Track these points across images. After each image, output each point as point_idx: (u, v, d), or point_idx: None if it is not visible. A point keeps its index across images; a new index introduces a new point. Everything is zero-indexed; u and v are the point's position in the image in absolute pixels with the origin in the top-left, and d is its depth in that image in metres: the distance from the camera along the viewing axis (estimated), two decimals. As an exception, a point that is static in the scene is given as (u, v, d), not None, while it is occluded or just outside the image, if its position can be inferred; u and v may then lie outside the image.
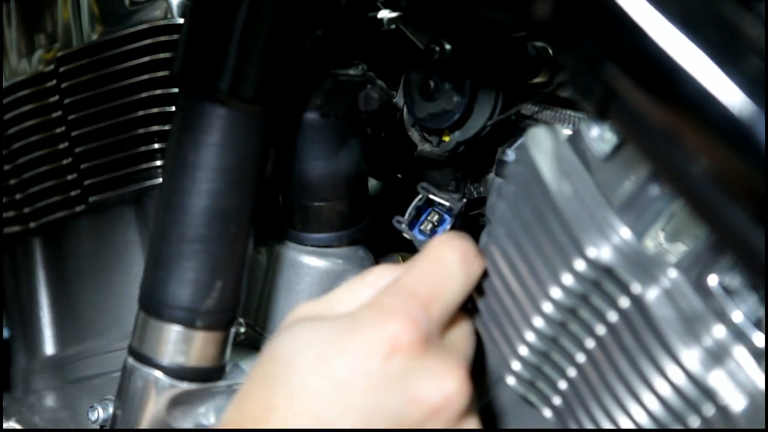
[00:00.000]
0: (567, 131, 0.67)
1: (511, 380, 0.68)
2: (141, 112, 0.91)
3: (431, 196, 0.83)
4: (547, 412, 0.68)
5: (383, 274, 0.67)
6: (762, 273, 0.53)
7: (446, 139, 0.84)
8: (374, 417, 0.61)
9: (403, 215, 0.85)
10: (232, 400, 0.64)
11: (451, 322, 0.66)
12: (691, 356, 0.57)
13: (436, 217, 0.84)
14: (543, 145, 0.63)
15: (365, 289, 0.66)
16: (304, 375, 0.61)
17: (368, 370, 0.61)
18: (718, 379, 0.56)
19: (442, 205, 0.83)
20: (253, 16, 0.67)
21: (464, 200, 0.83)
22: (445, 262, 0.65)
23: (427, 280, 0.64)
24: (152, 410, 0.72)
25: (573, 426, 0.65)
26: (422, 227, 0.84)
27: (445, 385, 0.62)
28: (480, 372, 0.74)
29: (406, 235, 0.84)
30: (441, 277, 0.65)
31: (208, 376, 0.73)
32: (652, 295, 0.58)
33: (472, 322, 0.69)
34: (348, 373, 0.61)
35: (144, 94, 0.91)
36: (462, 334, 0.67)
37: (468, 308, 0.70)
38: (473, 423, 0.65)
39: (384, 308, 0.63)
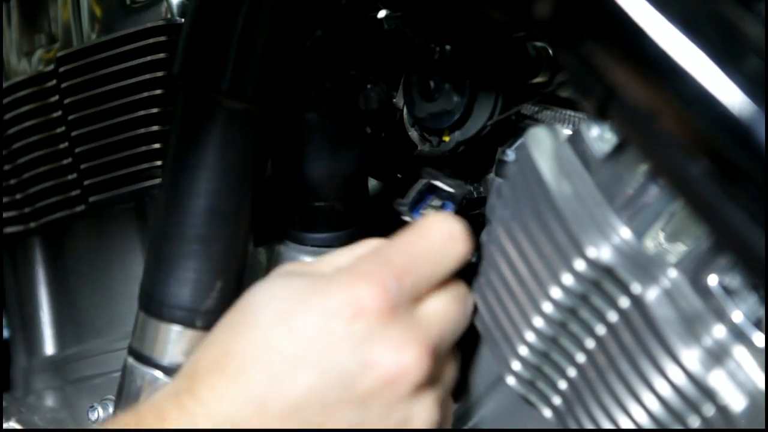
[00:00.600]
0: (567, 131, 0.67)
1: (511, 380, 0.68)
2: (141, 112, 0.91)
3: (434, 182, 0.83)
4: (547, 412, 0.68)
5: (369, 243, 0.68)
6: (762, 273, 0.53)
7: (446, 139, 0.84)
8: (326, 376, 0.61)
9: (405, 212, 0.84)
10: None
11: (431, 300, 0.65)
12: (691, 356, 0.57)
13: (438, 203, 0.83)
14: (543, 145, 0.63)
15: (347, 256, 0.67)
16: (266, 326, 0.62)
17: (330, 329, 0.61)
18: (718, 379, 0.56)
19: (445, 191, 0.83)
20: (253, 16, 0.67)
21: (468, 187, 0.82)
22: (428, 237, 0.65)
23: (405, 252, 0.65)
24: (152, 410, 0.72)
25: (573, 426, 0.65)
26: (423, 211, 0.84)
27: (402, 356, 0.62)
28: (479, 372, 0.74)
29: (405, 218, 0.83)
30: (421, 250, 0.65)
31: (208, 376, 0.73)
32: (652, 295, 0.58)
33: (459, 302, 0.68)
34: (309, 330, 0.61)
35: (144, 94, 0.91)
36: (436, 312, 0.66)
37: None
38: (428, 401, 0.64)
39: (356, 272, 0.63)
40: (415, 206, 0.83)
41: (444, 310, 0.66)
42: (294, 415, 0.60)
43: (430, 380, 0.64)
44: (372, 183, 0.88)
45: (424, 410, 0.64)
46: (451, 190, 0.82)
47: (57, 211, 1.00)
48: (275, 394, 0.60)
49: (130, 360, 0.73)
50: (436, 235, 0.66)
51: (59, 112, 0.97)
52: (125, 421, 0.61)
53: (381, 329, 0.62)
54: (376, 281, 0.62)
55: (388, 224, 0.85)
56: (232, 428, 0.59)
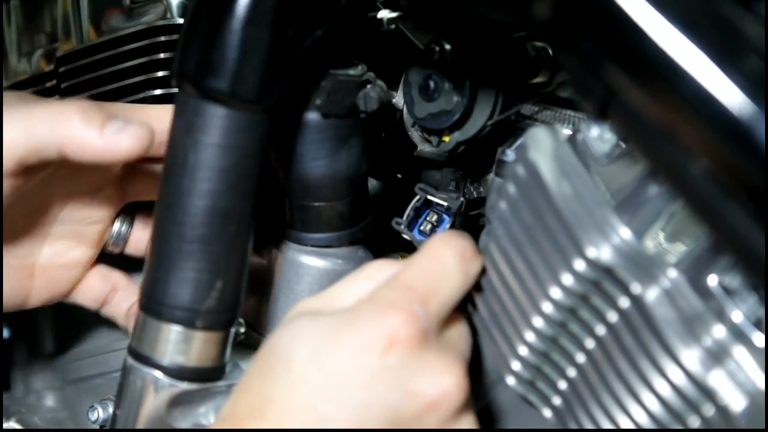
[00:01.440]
0: (567, 131, 0.67)
1: (511, 380, 0.68)
2: (141, 112, 0.91)
3: (429, 197, 0.83)
4: (547, 412, 0.68)
5: (382, 268, 0.67)
6: (762, 273, 0.53)
7: (446, 139, 0.84)
8: (371, 411, 0.61)
9: (402, 216, 0.85)
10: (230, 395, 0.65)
11: (448, 320, 0.66)
12: (691, 356, 0.57)
13: (434, 217, 0.84)
14: (543, 145, 0.63)
15: (364, 283, 0.66)
16: (301, 368, 0.61)
17: (366, 363, 0.61)
18: (718, 379, 0.56)
19: (440, 205, 0.83)
20: (253, 16, 0.67)
21: (462, 199, 0.83)
22: (443, 260, 0.66)
23: (425, 276, 0.65)
24: (152, 410, 0.72)
25: (573, 426, 0.65)
26: (421, 228, 0.84)
27: (442, 381, 0.62)
28: (479, 372, 0.74)
29: (405, 236, 0.84)
30: (439, 273, 0.65)
31: (208, 376, 0.73)
32: (652, 295, 0.58)
33: (468, 322, 0.69)
34: (345, 367, 0.61)
35: (143, 94, 0.91)
36: (459, 332, 0.67)
37: (467, 308, 0.70)
38: (469, 420, 0.65)
39: (382, 302, 0.63)
40: (413, 224, 0.83)
41: (465, 330, 0.67)
42: None
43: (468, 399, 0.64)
44: (372, 183, 0.88)
45: (467, 426, 0.65)
46: (445, 204, 0.82)
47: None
48: None
49: (130, 360, 0.73)
50: (450, 256, 0.66)
51: (59, 112, 0.97)
52: None
53: (416, 357, 0.62)
54: (404, 309, 0.62)
55: (387, 224, 0.86)
56: None
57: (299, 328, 0.64)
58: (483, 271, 0.69)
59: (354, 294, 0.66)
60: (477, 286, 0.69)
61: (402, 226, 0.82)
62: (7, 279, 0.82)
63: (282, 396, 0.61)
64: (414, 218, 0.83)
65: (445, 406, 0.62)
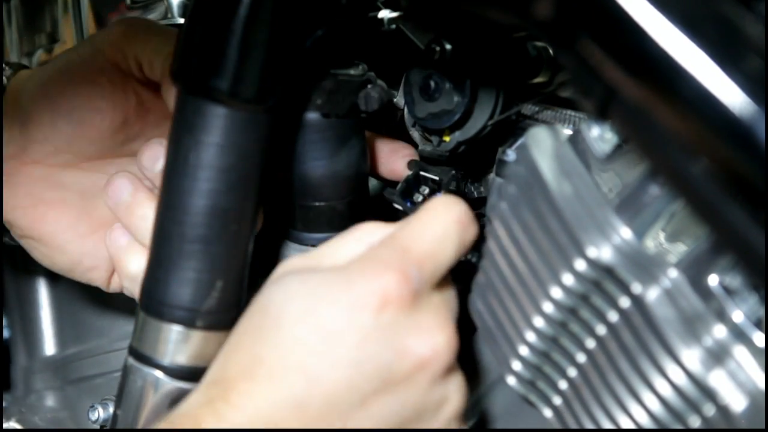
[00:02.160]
0: (567, 131, 0.67)
1: (511, 380, 0.68)
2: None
3: (421, 172, 0.83)
4: (548, 412, 0.68)
5: (371, 230, 0.68)
6: (762, 273, 0.53)
7: (447, 138, 0.84)
8: (363, 370, 0.61)
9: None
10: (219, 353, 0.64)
11: (439, 283, 0.66)
12: (692, 356, 0.57)
13: (427, 191, 0.84)
14: (543, 145, 0.63)
15: (353, 245, 0.67)
16: (293, 326, 0.61)
17: (359, 321, 0.61)
18: (718, 379, 0.56)
19: (432, 179, 0.83)
20: (253, 16, 0.67)
21: (453, 171, 0.83)
22: (441, 223, 0.66)
23: (422, 239, 0.65)
24: (152, 410, 0.72)
25: (573, 426, 0.65)
26: (414, 200, 0.84)
27: (433, 339, 0.63)
28: (479, 371, 0.74)
29: (397, 206, 0.84)
30: (436, 237, 0.65)
31: (209, 375, 0.73)
32: (652, 295, 0.58)
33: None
34: (338, 325, 0.61)
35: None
36: (448, 295, 0.67)
37: (467, 308, 0.70)
38: (458, 379, 0.66)
39: (377, 261, 0.63)
40: (405, 196, 0.83)
41: (455, 295, 0.68)
42: (334, 412, 0.60)
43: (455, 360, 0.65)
44: (372, 183, 0.88)
45: (458, 389, 0.66)
46: (435, 177, 0.82)
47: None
48: (314, 393, 0.60)
49: (131, 360, 0.73)
50: (447, 220, 0.66)
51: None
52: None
53: (408, 316, 0.63)
54: (398, 269, 0.63)
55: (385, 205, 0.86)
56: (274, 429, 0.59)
57: (290, 286, 0.64)
58: (483, 270, 0.69)
59: (343, 254, 0.66)
60: (477, 286, 0.69)
61: (395, 196, 0.82)
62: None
63: (273, 355, 0.61)
64: (406, 191, 0.83)
65: (435, 365, 0.63)
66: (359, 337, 0.61)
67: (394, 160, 0.84)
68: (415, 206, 0.83)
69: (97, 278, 0.84)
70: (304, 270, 0.65)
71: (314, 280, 0.63)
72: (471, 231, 0.67)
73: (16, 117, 0.80)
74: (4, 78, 0.82)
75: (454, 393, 0.66)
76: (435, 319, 0.64)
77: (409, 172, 0.84)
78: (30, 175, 0.81)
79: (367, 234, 0.67)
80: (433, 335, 0.63)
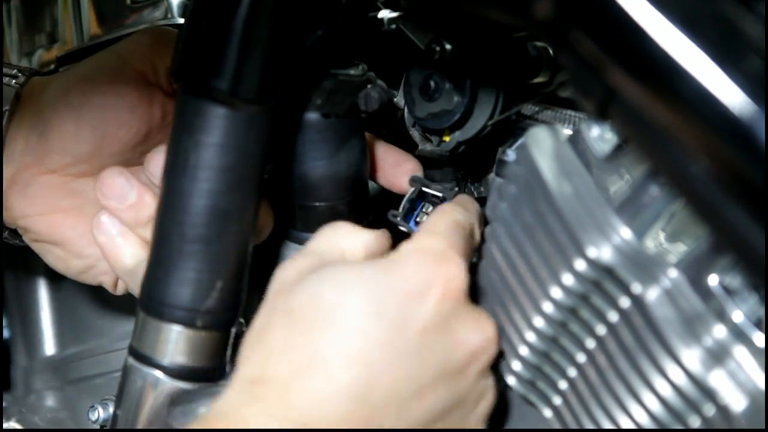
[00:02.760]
0: (567, 131, 0.67)
1: (511, 380, 0.68)
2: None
3: (423, 189, 0.83)
4: (548, 412, 0.68)
5: (351, 228, 0.68)
6: (762, 273, 0.53)
7: (447, 138, 0.84)
8: (425, 359, 0.61)
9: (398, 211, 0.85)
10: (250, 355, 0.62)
11: None
12: (692, 356, 0.57)
13: (430, 209, 0.84)
14: (543, 145, 0.63)
15: (353, 240, 0.67)
16: (352, 317, 0.60)
17: (421, 312, 0.61)
18: (718, 379, 0.56)
19: (436, 196, 0.83)
20: (253, 16, 0.67)
21: (456, 188, 0.83)
22: (467, 222, 0.69)
23: (458, 235, 0.67)
24: (152, 410, 0.72)
25: (573, 426, 0.65)
26: (417, 219, 0.84)
27: (485, 330, 0.64)
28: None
29: (402, 228, 0.84)
30: (467, 229, 0.68)
31: (209, 375, 0.73)
32: (652, 295, 0.58)
33: None
34: (400, 315, 0.61)
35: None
36: None
37: None
38: (493, 377, 0.67)
39: (430, 254, 0.64)
40: (408, 216, 0.83)
41: None
42: (392, 404, 0.60)
43: None
44: (372, 183, 0.88)
45: (493, 386, 0.67)
46: (440, 194, 0.82)
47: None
48: (375, 385, 0.59)
49: (131, 360, 0.73)
50: (472, 220, 0.70)
51: (59, 112, 0.97)
52: None
53: (463, 307, 0.64)
54: (455, 262, 0.64)
55: (387, 223, 0.86)
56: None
57: (342, 278, 0.62)
58: (483, 270, 0.69)
59: (347, 251, 0.66)
60: (477, 286, 0.69)
61: (398, 218, 0.82)
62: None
63: (333, 348, 0.59)
64: (410, 210, 0.83)
65: (485, 356, 0.65)
66: (421, 328, 0.61)
67: (396, 174, 0.84)
68: (419, 226, 0.83)
69: (107, 281, 0.84)
70: (328, 264, 0.64)
71: (368, 270, 0.63)
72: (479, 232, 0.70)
73: (34, 126, 0.79)
74: (13, 82, 0.82)
75: (490, 389, 0.66)
76: (480, 311, 0.65)
77: (411, 188, 0.84)
78: (46, 184, 0.80)
79: (354, 232, 0.67)
80: (484, 326, 0.64)
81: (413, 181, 0.84)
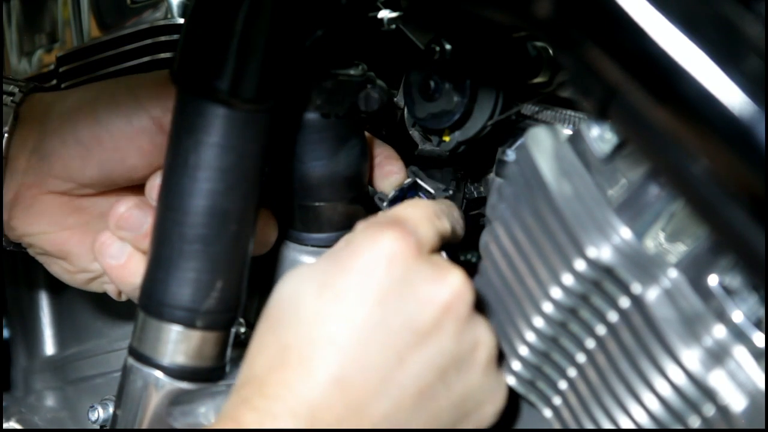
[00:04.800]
0: (567, 131, 0.67)
1: (511, 380, 0.68)
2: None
3: (418, 180, 0.84)
4: (547, 412, 0.68)
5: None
6: (762, 273, 0.53)
7: (446, 138, 0.84)
8: (390, 326, 0.62)
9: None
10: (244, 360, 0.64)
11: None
12: (692, 356, 0.57)
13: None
14: (543, 145, 0.63)
15: (347, 237, 0.67)
16: (312, 304, 0.62)
17: (373, 282, 0.62)
18: (718, 379, 0.56)
19: (427, 191, 0.83)
20: (253, 16, 0.67)
21: (450, 192, 0.83)
22: (429, 203, 0.69)
23: (413, 209, 0.67)
24: (152, 410, 0.72)
25: (573, 426, 0.65)
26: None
27: (449, 282, 0.64)
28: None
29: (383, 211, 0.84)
30: (427, 208, 0.68)
31: (209, 376, 0.73)
32: (652, 295, 0.58)
33: None
34: (354, 290, 0.62)
35: (144, 94, 0.91)
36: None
37: None
38: (482, 321, 0.66)
39: (374, 226, 0.65)
40: (395, 201, 0.83)
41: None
42: (373, 377, 0.61)
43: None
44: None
45: (486, 330, 0.66)
46: (431, 191, 0.82)
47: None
48: (348, 363, 0.60)
49: (131, 360, 0.73)
50: (450, 215, 0.70)
51: (59, 112, 0.97)
52: None
53: (418, 266, 0.63)
54: (397, 227, 0.64)
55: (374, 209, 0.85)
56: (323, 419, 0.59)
57: (299, 274, 0.65)
58: (482, 270, 0.69)
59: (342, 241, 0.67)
60: (477, 286, 0.69)
61: (384, 203, 0.82)
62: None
63: (300, 337, 0.61)
64: (399, 198, 0.83)
65: (459, 306, 0.64)
66: (378, 297, 0.62)
67: (376, 176, 0.83)
68: None
69: (112, 290, 0.84)
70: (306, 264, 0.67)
71: (321, 261, 0.65)
72: (458, 216, 0.70)
73: (37, 149, 0.79)
74: (10, 100, 0.80)
75: (483, 335, 0.66)
76: (443, 266, 0.64)
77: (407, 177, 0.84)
78: (50, 203, 0.80)
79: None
80: (447, 278, 0.64)
81: (411, 171, 0.84)
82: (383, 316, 0.62)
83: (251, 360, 0.64)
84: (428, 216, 0.67)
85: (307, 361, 0.61)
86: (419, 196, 0.84)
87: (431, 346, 0.63)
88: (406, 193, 0.83)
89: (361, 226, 0.66)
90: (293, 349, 0.61)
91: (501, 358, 0.68)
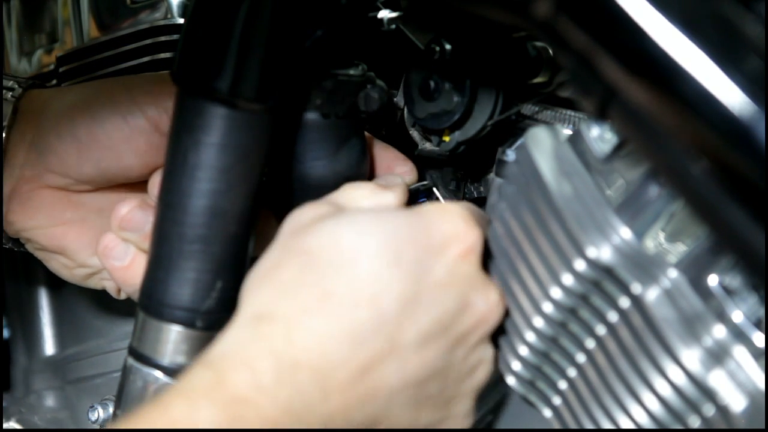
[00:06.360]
0: (567, 131, 0.67)
1: (511, 380, 0.68)
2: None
3: (434, 188, 0.84)
4: (547, 412, 0.68)
5: (376, 189, 0.68)
6: (762, 273, 0.53)
7: (446, 138, 0.84)
8: (432, 314, 0.61)
9: None
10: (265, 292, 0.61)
11: None
12: (691, 356, 0.57)
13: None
14: (543, 145, 0.63)
15: (370, 195, 0.67)
16: (370, 261, 0.60)
17: (437, 266, 0.61)
18: (718, 379, 0.56)
19: (438, 199, 0.83)
20: (253, 16, 0.67)
21: (437, 180, 0.83)
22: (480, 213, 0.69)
23: (477, 213, 0.67)
24: (152, 410, 0.72)
25: (573, 426, 0.65)
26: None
27: (492, 297, 0.64)
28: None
29: None
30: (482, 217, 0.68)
31: (208, 376, 0.73)
32: (652, 295, 0.58)
33: None
34: (417, 266, 0.60)
35: (144, 94, 0.91)
36: None
37: None
38: (493, 349, 0.66)
39: (454, 213, 0.64)
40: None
41: None
42: (391, 348, 0.60)
43: None
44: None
45: (492, 357, 0.66)
46: (442, 200, 0.83)
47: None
48: (377, 328, 0.59)
49: (131, 360, 0.73)
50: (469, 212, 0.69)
51: (59, 112, 0.97)
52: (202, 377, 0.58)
53: (478, 271, 0.64)
54: (478, 225, 0.64)
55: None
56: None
57: (361, 222, 0.62)
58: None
59: (364, 203, 0.66)
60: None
61: None
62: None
63: (343, 289, 0.59)
64: (410, 201, 0.83)
65: (488, 324, 0.64)
66: (434, 282, 0.61)
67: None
68: None
69: (110, 286, 0.84)
70: (351, 210, 0.64)
71: (390, 217, 0.63)
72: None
73: (35, 144, 0.79)
74: (9, 95, 0.81)
75: (487, 360, 0.66)
76: (490, 280, 0.65)
77: (424, 181, 0.84)
78: (47, 197, 0.80)
79: (379, 192, 0.67)
80: (491, 294, 0.64)
81: (430, 176, 0.84)
82: (429, 302, 0.61)
83: (279, 292, 0.60)
84: (483, 221, 0.67)
85: (344, 316, 0.59)
86: (430, 202, 0.84)
87: (450, 348, 0.63)
88: (419, 195, 0.84)
89: (432, 207, 0.65)
90: (335, 300, 0.59)
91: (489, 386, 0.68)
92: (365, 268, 0.60)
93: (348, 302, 0.59)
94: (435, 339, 0.62)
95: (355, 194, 0.68)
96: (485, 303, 0.64)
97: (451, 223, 0.63)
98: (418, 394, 0.62)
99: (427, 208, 0.64)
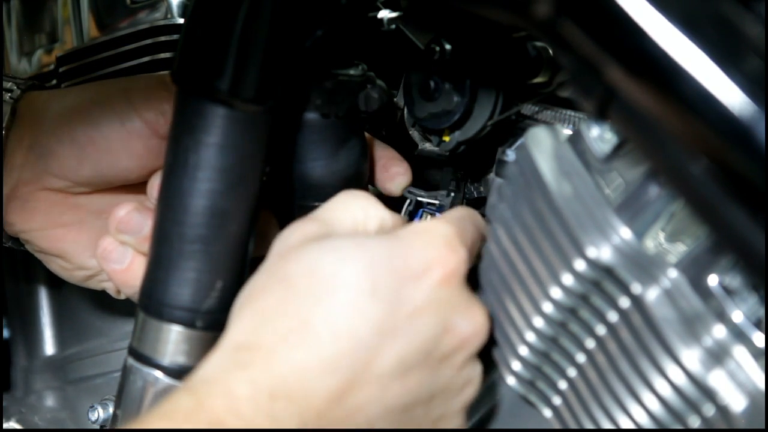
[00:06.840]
0: (567, 131, 0.67)
1: (511, 380, 0.68)
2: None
3: (419, 198, 0.84)
4: (547, 412, 0.68)
5: (364, 198, 0.67)
6: (762, 273, 0.53)
7: (446, 138, 0.84)
8: (413, 342, 0.61)
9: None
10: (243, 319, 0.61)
11: None
12: (691, 356, 0.57)
13: (428, 218, 0.84)
14: (543, 145, 0.63)
15: (357, 211, 0.66)
16: (347, 291, 0.60)
17: (416, 293, 0.61)
18: (718, 379, 0.56)
19: (432, 204, 0.83)
20: (253, 16, 0.67)
21: (452, 194, 0.83)
22: (479, 222, 0.69)
23: (469, 224, 0.66)
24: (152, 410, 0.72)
25: (573, 426, 0.65)
26: None
27: (476, 319, 0.63)
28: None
29: None
30: (477, 224, 0.68)
31: (208, 376, 0.73)
32: (652, 295, 0.58)
33: None
34: (395, 294, 0.60)
35: (144, 94, 0.91)
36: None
37: None
38: (480, 365, 0.66)
39: (435, 235, 0.63)
40: None
41: None
42: (375, 381, 0.60)
43: None
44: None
45: (479, 375, 0.66)
46: (436, 201, 0.83)
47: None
48: (360, 362, 0.59)
49: (131, 360, 0.73)
50: (479, 219, 0.69)
51: (59, 112, 0.97)
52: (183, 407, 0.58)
53: (460, 294, 0.63)
54: (459, 249, 0.63)
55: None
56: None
57: (342, 249, 0.62)
58: (482, 270, 0.69)
59: (350, 221, 0.65)
60: (477, 287, 0.69)
61: None
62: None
63: (324, 320, 0.59)
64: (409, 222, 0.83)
65: (472, 345, 0.64)
66: (413, 310, 0.61)
67: (383, 179, 0.83)
68: None
69: (110, 287, 0.84)
70: (330, 235, 0.63)
71: (369, 244, 0.62)
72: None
73: (33, 146, 0.79)
74: (8, 96, 0.81)
75: (476, 378, 0.66)
76: (474, 300, 0.64)
77: (407, 200, 0.84)
78: (46, 199, 0.80)
79: (373, 205, 0.67)
80: (475, 315, 0.63)
81: (408, 193, 0.84)
82: (409, 330, 0.60)
83: (260, 320, 0.60)
84: (475, 235, 0.67)
85: (324, 347, 0.58)
86: (427, 213, 0.84)
87: (434, 373, 0.62)
88: (413, 215, 0.84)
89: (416, 228, 0.64)
90: (313, 330, 0.59)
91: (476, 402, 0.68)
92: (342, 298, 0.60)
93: (326, 333, 0.59)
94: (417, 366, 0.61)
95: (348, 207, 0.67)
96: (469, 324, 0.63)
97: (432, 247, 0.62)
98: (403, 419, 0.62)
99: (409, 232, 0.64)
